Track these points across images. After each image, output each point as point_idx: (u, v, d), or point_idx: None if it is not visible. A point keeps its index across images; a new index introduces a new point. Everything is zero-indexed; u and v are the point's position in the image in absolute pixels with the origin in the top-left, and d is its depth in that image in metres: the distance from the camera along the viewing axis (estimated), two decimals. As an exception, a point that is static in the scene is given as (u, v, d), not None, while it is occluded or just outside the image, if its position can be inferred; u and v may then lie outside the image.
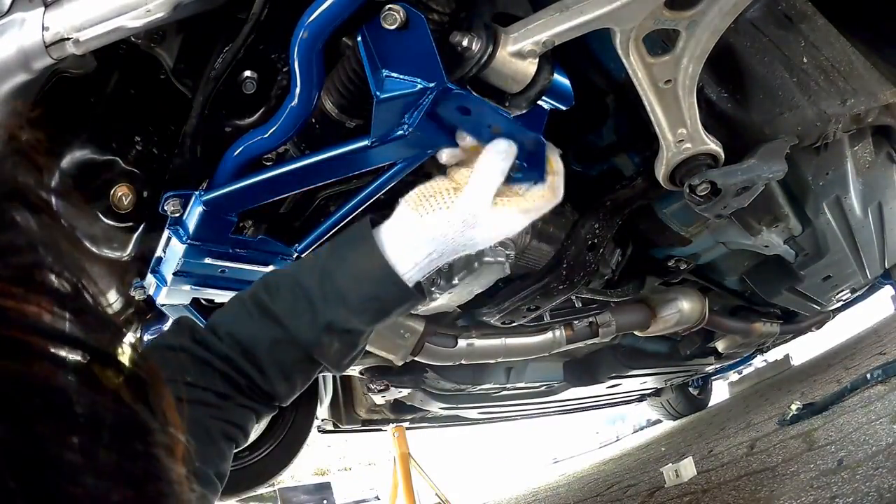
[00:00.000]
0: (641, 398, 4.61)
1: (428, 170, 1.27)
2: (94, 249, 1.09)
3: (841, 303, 3.22)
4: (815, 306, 2.86)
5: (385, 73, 0.82)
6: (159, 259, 1.15)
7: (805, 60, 1.16)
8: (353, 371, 2.26)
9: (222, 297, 1.29)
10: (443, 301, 1.65)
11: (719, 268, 2.16)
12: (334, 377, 2.40)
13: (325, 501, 6.96)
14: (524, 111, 0.94)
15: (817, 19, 1.14)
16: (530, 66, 0.88)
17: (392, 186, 1.04)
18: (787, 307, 2.85)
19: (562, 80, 0.97)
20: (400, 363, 2.05)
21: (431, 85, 0.81)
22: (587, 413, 4.33)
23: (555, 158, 0.89)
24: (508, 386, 2.67)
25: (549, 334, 2.15)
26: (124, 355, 0.34)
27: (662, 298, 2.26)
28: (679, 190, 1.23)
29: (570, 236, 1.61)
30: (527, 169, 0.85)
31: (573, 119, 1.18)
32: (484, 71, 0.86)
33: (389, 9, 0.77)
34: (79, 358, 0.31)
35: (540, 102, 0.97)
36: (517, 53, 0.86)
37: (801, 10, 1.12)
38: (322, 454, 10.87)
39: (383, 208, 1.21)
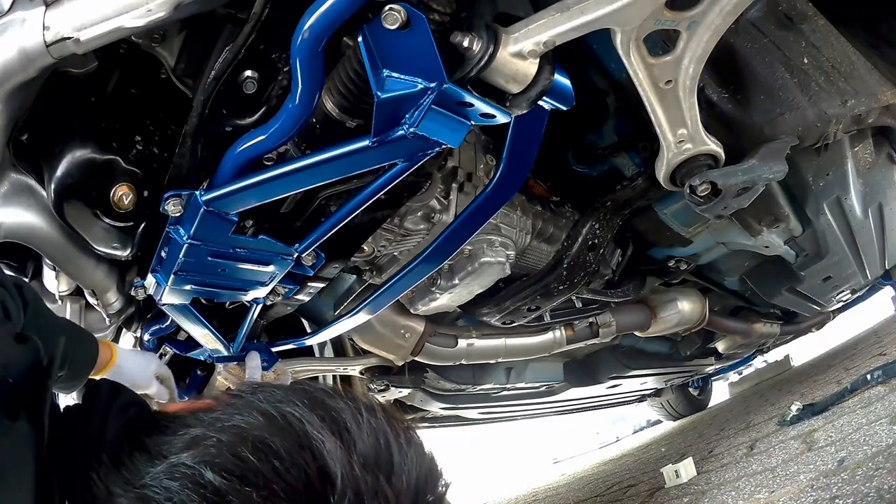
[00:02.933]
0: (641, 399, 4.60)
1: (428, 169, 1.27)
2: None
3: (841, 303, 3.22)
4: (815, 307, 2.86)
5: (386, 72, 0.82)
6: (160, 258, 1.15)
7: (805, 61, 1.16)
8: (354, 371, 2.26)
9: (223, 296, 1.29)
10: (443, 301, 1.66)
11: (719, 268, 2.16)
12: (334, 377, 2.40)
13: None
14: (525, 111, 0.93)
15: (818, 20, 1.14)
16: (531, 67, 0.88)
17: (392, 186, 1.04)
18: (788, 308, 2.85)
19: (562, 80, 0.97)
20: (400, 363, 2.05)
21: (432, 85, 0.81)
22: (587, 413, 4.33)
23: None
24: (509, 386, 2.67)
25: (550, 334, 2.15)
26: None
27: (662, 299, 2.27)
28: (679, 190, 1.23)
29: (571, 236, 1.61)
30: None
31: (574, 119, 1.18)
32: (485, 71, 0.86)
33: (390, 9, 0.77)
34: None
35: (541, 103, 0.97)
36: (518, 54, 0.86)
37: (802, 11, 1.12)
38: (322, 454, 10.82)
39: (384, 208, 1.22)
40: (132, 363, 1.29)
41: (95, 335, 1.22)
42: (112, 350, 1.23)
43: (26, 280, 1.16)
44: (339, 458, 0.52)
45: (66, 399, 1.14)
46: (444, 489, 0.61)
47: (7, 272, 1.19)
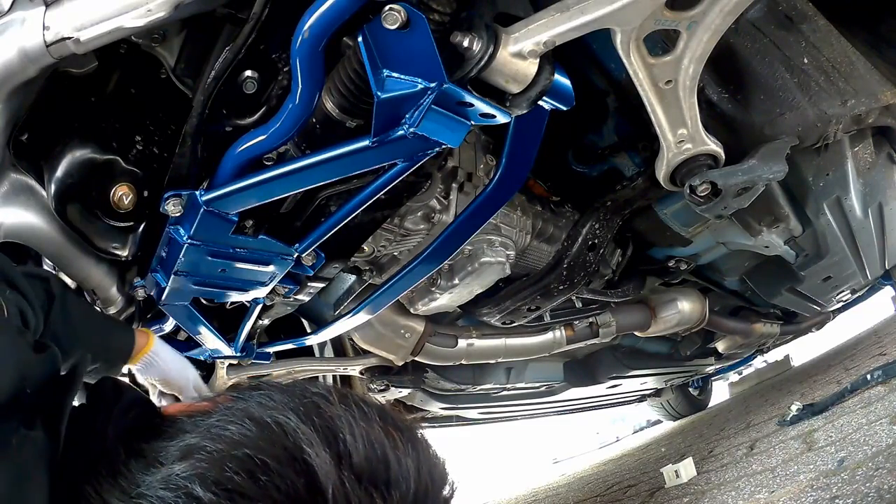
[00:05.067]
0: (641, 398, 4.60)
1: (428, 169, 1.27)
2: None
3: (841, 303, 3.22)
4: (815, 307, 2.86)
5: (386, 72, 0.82)
6: (160, 258, 1.15)
7: (806, 61, 1.16)
8: (354, 371, 2.26)
9: (223, 296, 1.29)
10: (443, 301, 1.65)
11: (719, 268, 2.16)
12: (334, 377, 2.40)
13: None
14: (525, 111, 0.93)
15: (818, 20, 1.14)
16: (531, 67, 0.88)
17: (392, 186, 1.04)
18: (788, 308, 2.85)
19: (562, 80, 0.97)
20: (400, 363, 2.05)
21: (432, 85, 0.81)
22: (587, 413, 4.33)
23: None
24: (509, 386, 2.67)
25: (550, 334, 2.15)
26: None
27: (662, 299, 2.27)
28: (679, 190, 1.23)
29: (571, 236, 1.61)
30: None
31: (574, 119, 1.18)
32: (485, 71, 0.86)
33: (390, 9, 0.77)
34: None
35: (541, 103, 0.97)
36: (518, 54, 0.86)
37: (802, 11, 1.12)
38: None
39: (384, 208, 1.22)
40: (171, 359, 1.26)
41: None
42: (150, 337, 1.21)
43: (53, 273, 1.15)
44: (330, 473, 0.52)
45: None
46: (449, 493, 0.60)
47: (34, 267, 1.19)
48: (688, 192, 1.19)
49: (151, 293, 1.25)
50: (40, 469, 0.57)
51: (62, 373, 0.69)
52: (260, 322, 1.54)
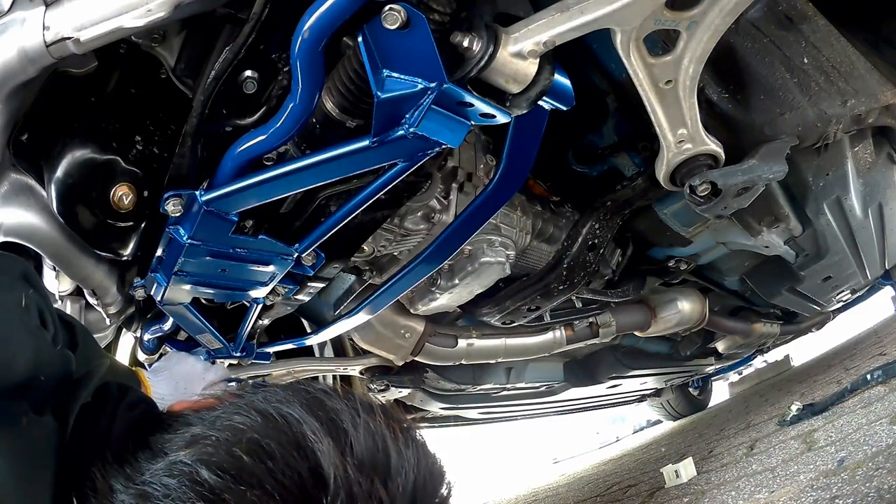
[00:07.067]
0: (641, 398, 4.60)
1: (428, 169, 1.27)
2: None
3: (841, 303, 3.22)
4: (815, 307, 2.86)
5: (386, 72, 0.82)
6: (160, 258, 1.15)
7: (806, 61, 1.16)
8: (354, 371, 2.26)
9: (223, 296, 1.29)
10: (443, 301, 1.66)
11: (719, 268, 2.16)
12: (334, 377, 2.40)
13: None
14: (525, 111, 0.93)
15: (818, 20, 1.14)
16: (531, 67, 0.88)
17: (392, 186, 1.04)
18: (788, 308, 2.85)
19: (562, 80, 0.97)
20: (400, 363, 2.05)
21: (432, 85, 0.81)
22: (587, 413, 4.33)
23: None
24: (509, 386, 2.67)
25: (550, 334, 2.15)
26: None
27: (662, 299, 2.27)
28: (679, 190, 1.23)
29: (571, 236, 1.61)
30: None
31: (574, 119, 1.18)
32: (485, 71, 0.86)
33: (390, 9, 0.77)
34: None
35: (541, 103, 0.97)
36: (518, 54, 0.86)
37: (802, 11, 1.12)
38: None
39: (384, 208, 1.22)
40: (168, 388, 1.26)
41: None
42: (146, 387, 1.21)
43: (78, 320, 1.14)
44: (333, 460, 0.53)
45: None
46: (447, 491, 0.60)
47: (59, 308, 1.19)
48: (688, 192, 1.19)
49: (151, 293, 1.25)
50: (48, 449, 0.58)
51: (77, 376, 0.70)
52: (260, 322, 1.54)
